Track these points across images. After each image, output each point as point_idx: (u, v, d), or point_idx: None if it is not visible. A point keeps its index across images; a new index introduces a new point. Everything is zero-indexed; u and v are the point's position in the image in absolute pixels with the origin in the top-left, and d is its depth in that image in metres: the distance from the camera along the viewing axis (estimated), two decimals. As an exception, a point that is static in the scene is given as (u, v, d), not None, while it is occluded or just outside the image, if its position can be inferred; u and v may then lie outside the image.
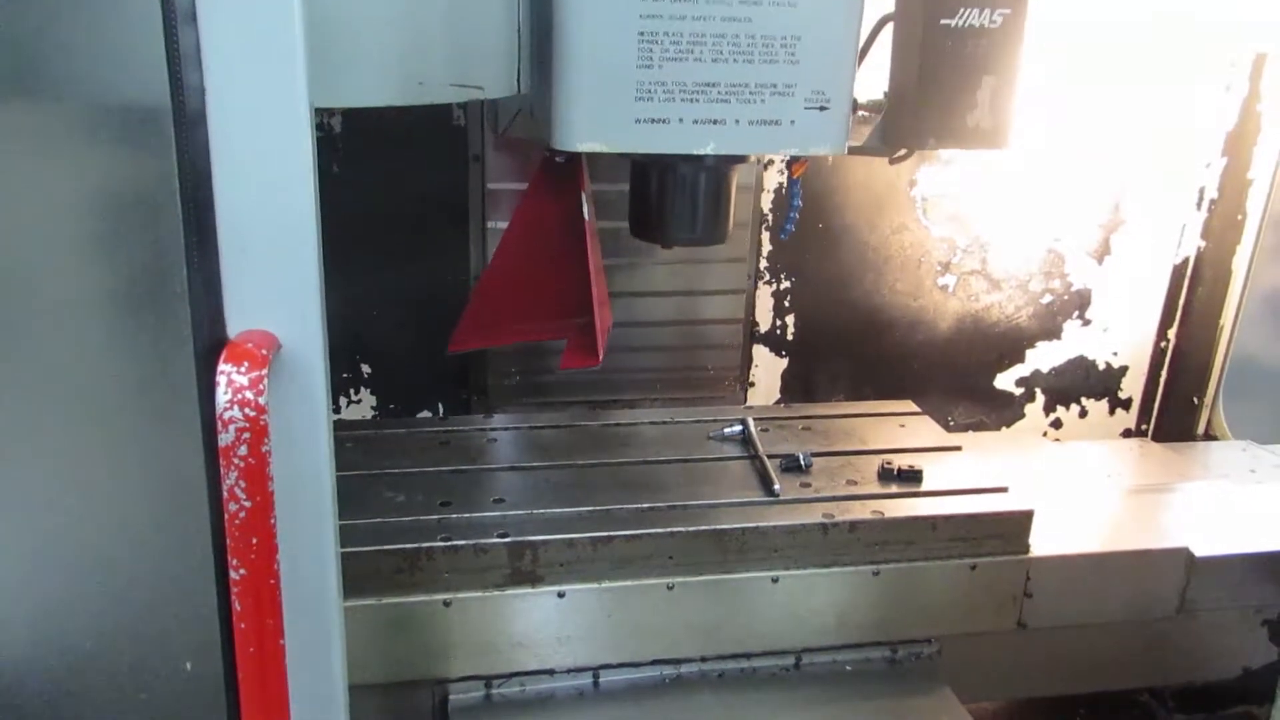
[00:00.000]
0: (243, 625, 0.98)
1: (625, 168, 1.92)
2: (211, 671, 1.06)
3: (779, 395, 2.78)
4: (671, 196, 1.86)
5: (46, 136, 0.93)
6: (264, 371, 0.94)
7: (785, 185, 2.45)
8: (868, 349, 2.79)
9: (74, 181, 0.95)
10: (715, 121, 1.61)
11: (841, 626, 2.00)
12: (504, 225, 2.28)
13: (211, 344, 0.99)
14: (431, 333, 2.54)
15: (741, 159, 1.82)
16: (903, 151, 1.89)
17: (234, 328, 1.02)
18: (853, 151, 1.76)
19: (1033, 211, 2.74)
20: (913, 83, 1.79)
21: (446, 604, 1.82)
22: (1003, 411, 2.96)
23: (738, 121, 1.62)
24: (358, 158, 2.37)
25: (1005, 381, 2.92)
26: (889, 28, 1.85)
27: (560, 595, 1.86)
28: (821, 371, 2.79)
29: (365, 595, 1.79)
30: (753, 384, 2.74)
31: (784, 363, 2.75)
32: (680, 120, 1.60)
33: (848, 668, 2.03)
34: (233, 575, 0.96)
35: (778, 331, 2.71)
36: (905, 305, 2.77)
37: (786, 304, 2.69)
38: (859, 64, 1.66)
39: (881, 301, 2.75)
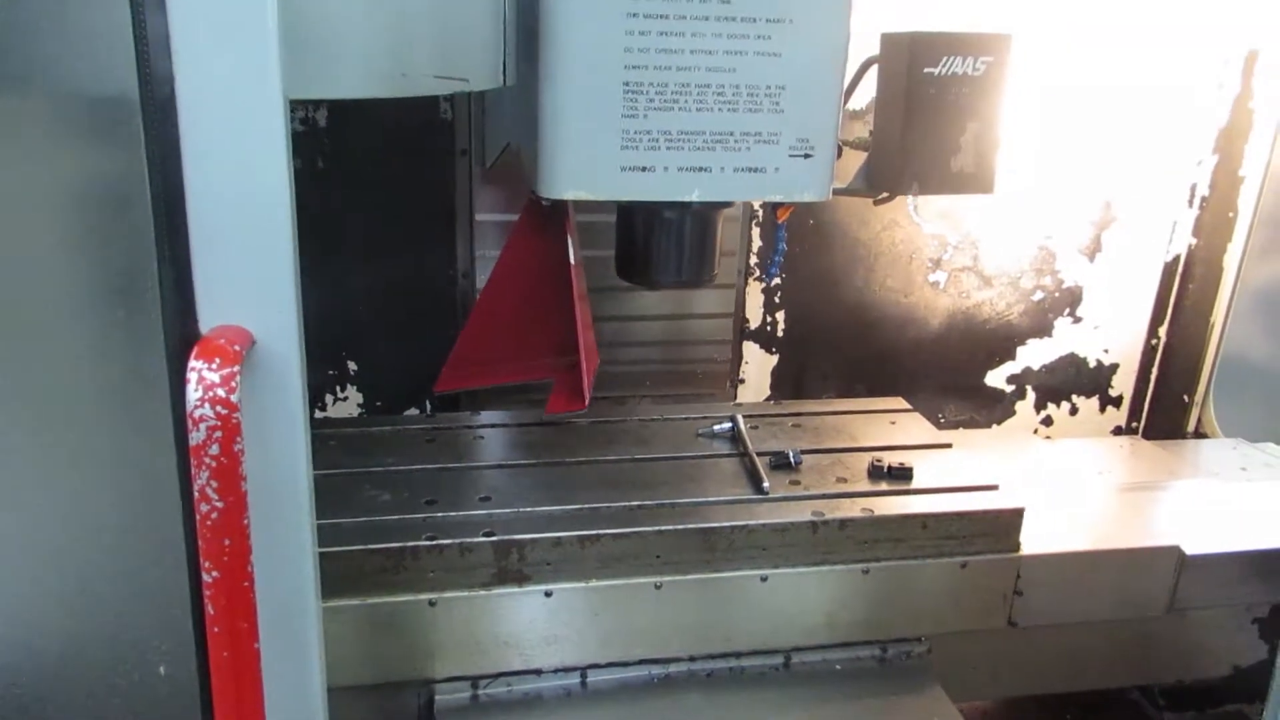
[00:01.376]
0: (216, 629, 0.95)
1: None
2: (185, 675, 1.04)
3: (769, 392, 2.76)
4: (657, 240, 1.89)
5: (10, 127, 0.91)
6: (236, 368, 0.92)
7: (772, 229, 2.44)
8: (858, 346, 2.78)
9: (40, 174, 0.92)
10: (700, 169, 1.63)
11: (831, 625, 1.98)
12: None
13: (183, 340, 0.96)
14: (419, 329, 2.52)
15: (727, 204, 1.84)
16: (885, 194, 1.92)
17: (206, 323, 0.99)
18: (838, 193, 1.78)
19: (1024, 208, 2.73)
20: (897, 129, 1.82)
21: (432, 604, 1.80)
22: (993, 409, 2.95)
23: (723, 169, 1.63)
24: (343, 152, 2.34)
25: (996, 379, 2.91)
26: (873, 69, 1.89)
27: (547, 594, 1.84)
28: (812, 368, 2.77)
29: (349, 595, 1.77)
30: (743, 381, 2.72)
31: (774, 359, 2.73)
32: (665, 168, 1.61)
33: (837, 667, 2.02)
34: (205, 577, 0.93)
35: (768, 328, 2.70)
36: (896, 302, 2.76)
37: (777, 300, 2.67)
38: (843, 106, 1.67)
39: (872, 298, 2.74)
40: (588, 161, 1.59)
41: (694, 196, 1.65)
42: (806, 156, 1.66)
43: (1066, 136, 2.66)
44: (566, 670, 1.92)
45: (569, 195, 1.61)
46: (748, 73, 1.58)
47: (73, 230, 0.94)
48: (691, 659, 1.97)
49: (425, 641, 1.82)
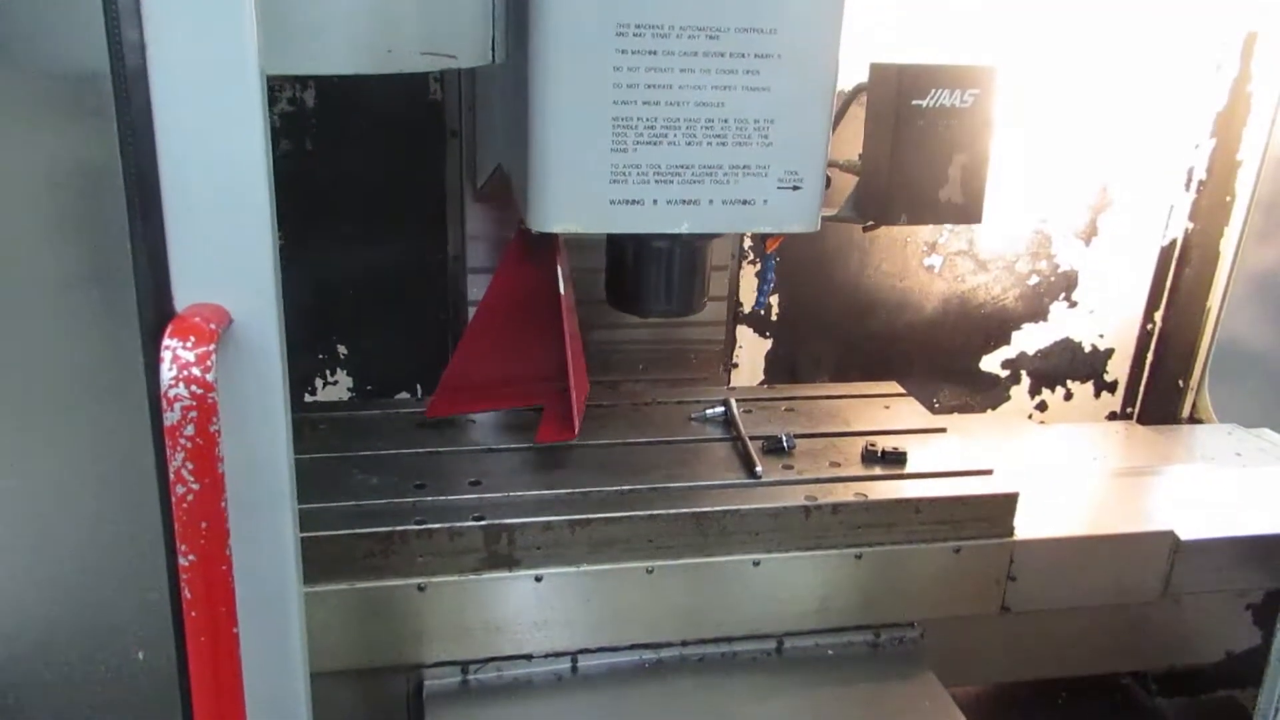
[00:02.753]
0: (194, 613, 0.93)
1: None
2: (164, 661, 1.02)
3: (762, 376, 2.75)
4: (646, 271, 1.91)
5: (-24, 101, 0.88)
6: (212, 347, 0.89)
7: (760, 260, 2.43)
8: (852, 330, 2.76)
9: (8, 148, 0.89)
10: (689, 202, 1.63)
11: (823, 610, 1.97)
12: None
13: (158, 319, 0.93)
14: (410, 312, 2.50)
15: (716, 236, 1.86)
16: (873, 223, 1.95)
17: (182, 301, 0.97)
18: (827, 220, 1.80)
19: (1020, 192, 2.70)
20: (885, 160, 1.84)
21: (421, 588, 1.79)
22: (988, 394, 2.93)
23: (711, 202, 1.64)
24: (332, 133, 2.31)
25: (991, 364, 2.90)
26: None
27: (537, 579, 1.83)
28: (805, 353, 2.76)
29: (337, 580, 1.75)
30: (736, 365, 2.71)
31: (768, 344, 2.72)
32: (654, 201, 1.62)
33: (829, 652, 2.01)
34: (182, 561, 0.91)
35: (761, 312, 2.68)
36: (891, 286, 2.74)
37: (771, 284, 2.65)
38: (832, 131, 1.69)
39: (867, 282, 2.72)
40: (576, 195, 1.60)
41: (683, 229, 1.66)
42: (795, 189, 1.67)
43: (1063, 120, 2.63)
44: (557, 655, 1.91)
45: (558, 229, 1.63)
46: (736, 107, 1.59)
47: (43, 207, 0.91)
48: (683, 644, 1.96)
49: (414, 626, 1.81)
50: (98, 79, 0.87)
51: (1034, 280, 2.82)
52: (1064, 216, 2.77)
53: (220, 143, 0.94)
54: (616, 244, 1.95)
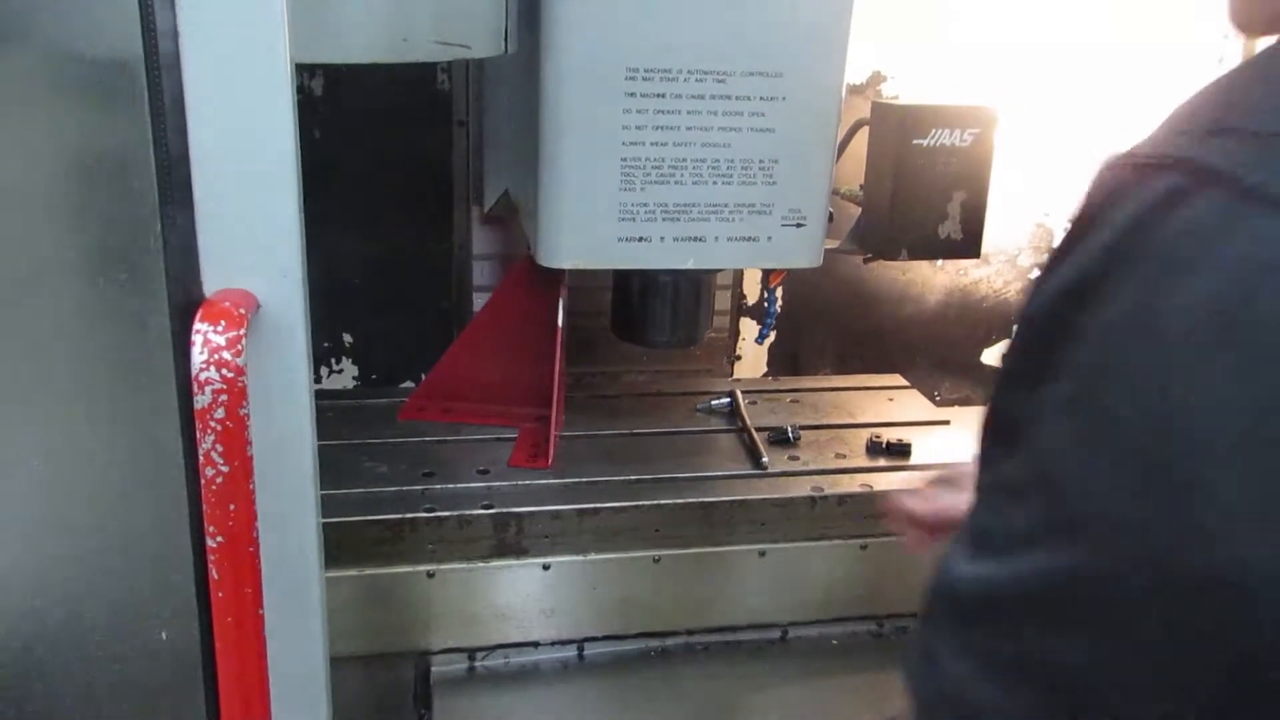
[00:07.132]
0: (220, 594, 0.95)
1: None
2: (188, 641, 1.03)
3: (765, 369, 2.76)
4: (651, 305, 1.98)
5: (6, 87, 0.89)
6: (242, 331, 0.91)
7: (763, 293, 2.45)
8: (855, 322, 2.77)
9: (39, 135, 0.90)
10: (695, 239, 1.68)
11: (828, 600, 1.99)
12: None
13: (187, 303, 0.95)
14: (416, 301, 2.51)
15: (719, 270, 1.95)
16: (873, 256, 2.03)
17: (210, 286, 0.98)
18: (829, 252, 1.86)
19: (1022, 184, 2.71)
20: (886, 197, 1.90)
21: (430, 575, 1.80)
22: (989, 387, 2.94)
23: (717, 238, 1.69)
24: (339, 123, 2.32)
25: (992, 357, 2.92)
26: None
27: (545, 567, 1.84)
28: (809, 345, 2.77)
29: (346, 566, 1.77)
30: (739, 357, 2.72)
31: (771, 336, 2.73)
32: (661, 238, 1.67)
33: (834, 641, 2.03)
34: (210, 543, 0.93)
35: (765, 305, 2.69)
36: (893, 279, 2.75)
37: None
38: (835, 161, 1.74)
39: (869, 275, 2.73)
40: (585, 233, 1.65)
41: (689, 264, 1.71)
42: (799, 226, 1.71)
43: (1065, 113, 2.65)
44: (564, 643, 1.92)
45: (567, 264, 1.69)
46: (742, 148, 1.63)
47: (73, 192, 0.92)
48: (689, 633, 1.97)
49: (422, 613, 1.82)
50: (131, 65, 0.88)
51: (1036, 274, 2.83)
52: (1066, 210, 2.78)
53: (251, 130, 0.95)
54: (622, 278, 2.00)
